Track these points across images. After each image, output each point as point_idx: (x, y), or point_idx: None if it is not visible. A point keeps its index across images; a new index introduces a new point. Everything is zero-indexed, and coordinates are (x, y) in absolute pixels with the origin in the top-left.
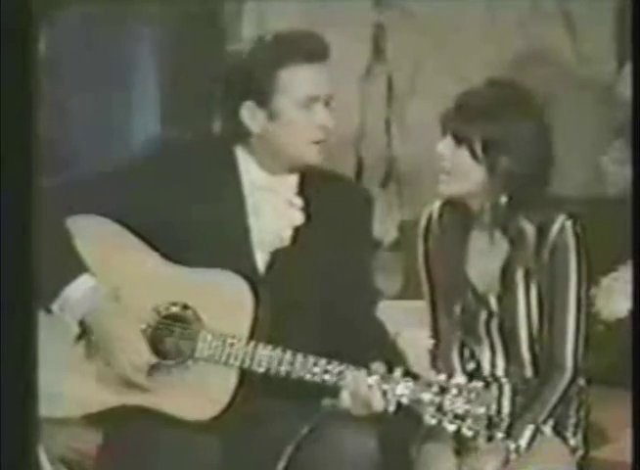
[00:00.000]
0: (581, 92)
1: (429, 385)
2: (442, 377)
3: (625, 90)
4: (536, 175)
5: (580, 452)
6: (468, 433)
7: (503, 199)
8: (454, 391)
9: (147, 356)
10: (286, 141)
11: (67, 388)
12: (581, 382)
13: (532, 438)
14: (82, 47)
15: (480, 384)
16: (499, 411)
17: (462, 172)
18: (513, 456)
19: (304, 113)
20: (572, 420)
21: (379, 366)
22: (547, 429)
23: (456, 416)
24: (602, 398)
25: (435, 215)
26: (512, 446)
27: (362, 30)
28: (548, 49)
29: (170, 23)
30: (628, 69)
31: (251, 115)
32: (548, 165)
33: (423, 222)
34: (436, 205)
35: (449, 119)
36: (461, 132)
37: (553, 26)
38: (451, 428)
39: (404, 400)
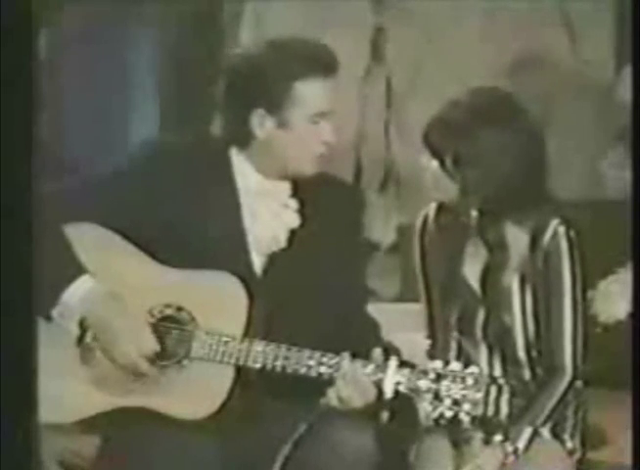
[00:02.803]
0: (580, 94)
1: (425, 372)
2: (439, 364)
3: (625, 93)
4: (524, 183)
5: (578, 455)
6: (465, 418)
7: (474, 212)
8: (451, 377)
9: (154, 343)
10: (289, 151)
11: (63, 393)
12: (579, 384)
13: (530, 440)
14: (82, 47)
15: (476, 369)
16: (497, 413)
17: (437, 184)
18: (510, 458)
19: (312, 127)
20: (570, 422)
21: (377, 354)
22: (545, 431)
23: (454, 402)
24: (601, 400)
25: (432, 216)
26: (509, 448)
27: (361, 32)
28: (547, 50)
29: (170, 24)
30: (628, 71)
31: (260, 121)
32: (539, 172)
33: (419, 223)
34: (432, 206)
35: (427, 133)
36: (434, 146)
37: (552, 28)
38: (449, 414)
39: (401, 389)
